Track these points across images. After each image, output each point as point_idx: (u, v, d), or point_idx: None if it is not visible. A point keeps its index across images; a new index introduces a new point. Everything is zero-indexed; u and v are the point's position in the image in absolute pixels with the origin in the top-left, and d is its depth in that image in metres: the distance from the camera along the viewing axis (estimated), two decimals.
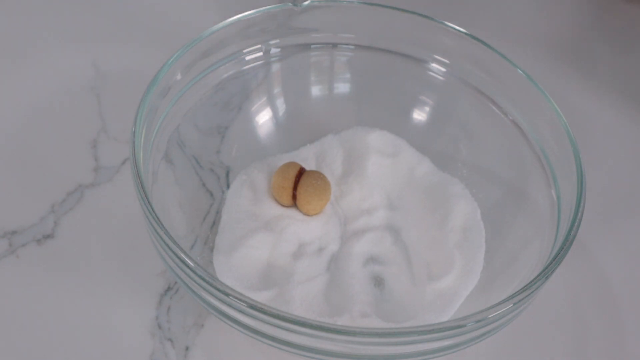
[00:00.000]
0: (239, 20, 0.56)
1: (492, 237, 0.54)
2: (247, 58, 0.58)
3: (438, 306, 0.50)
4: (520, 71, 0.55)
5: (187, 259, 0.45)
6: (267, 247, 0.52)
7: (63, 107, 0.61)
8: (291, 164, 0.55)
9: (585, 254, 0.57)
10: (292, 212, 0.55)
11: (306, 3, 0.56)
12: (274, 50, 0.58)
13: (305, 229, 0.54)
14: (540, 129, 0.55)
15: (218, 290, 0.44)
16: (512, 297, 0.45)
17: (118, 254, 0.54)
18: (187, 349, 0.50)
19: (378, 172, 0.57)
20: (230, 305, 0.45)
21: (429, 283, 0.51)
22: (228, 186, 0.56)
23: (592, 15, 0.74)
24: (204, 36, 0.54)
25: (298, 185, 0.54)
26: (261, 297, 0.49)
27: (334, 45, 0.59)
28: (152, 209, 0.46)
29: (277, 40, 0.58)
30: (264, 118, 0.59)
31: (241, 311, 0.44)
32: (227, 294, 0.44)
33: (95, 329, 0.50)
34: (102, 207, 0.56)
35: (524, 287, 0.46)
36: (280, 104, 0.59)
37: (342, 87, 0.60)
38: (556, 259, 0.47)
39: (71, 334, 0.50)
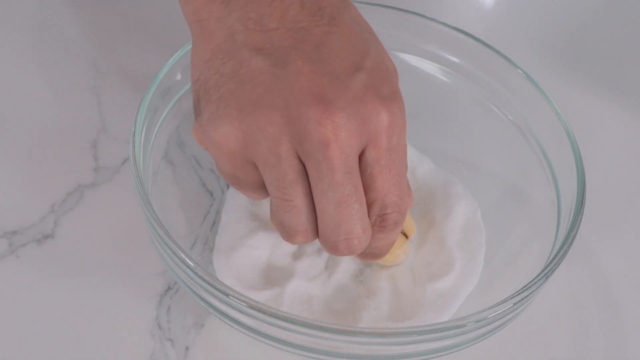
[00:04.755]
0: None
1: (492, 237, 0.54)
2: None
3: (438, 306, 0.50)
4: (520, 71, 0.55)
5: (187, 259, 0.45)
6: (267, 247, 0.52)
7: (63, 107, 0.61)
8: None
9: (585, 254, 0.57)
10: None
11: None
12: None
13: None
14: (540, 129, 0.55)
15: (218, 290, 0.44)
16: (512, 297, 0.45)
17: (118, 254, 0.54)
18: (187, 349, 0.50)
19: None
20: (230, 305, 0.45)
21: (429, 283, 0.51)
22: (228, 186, 0.56)
23: (593, 14, 0.74)
24: None
25: None
26: (261, 297, 0.49)
27: None
28: (152, 209, 0.46)
29: None
30: None
31: (241, 311, 0.44)
32: (227, 294, 0.44)
33: (95, 329, 0.50)
34: (102, 207, 0.56)
35: (524, 287, 0.46)
36: None
37: None
38: (556, 259, 0.47)
39: (71, 334, 0.50)
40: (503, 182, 0.56)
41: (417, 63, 0.58)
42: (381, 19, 0.58)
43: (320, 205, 0.44)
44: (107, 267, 0.53)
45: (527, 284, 0.46)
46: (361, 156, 0.44)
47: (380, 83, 0.45)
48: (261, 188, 0.47)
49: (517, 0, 0.75)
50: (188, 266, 0.45)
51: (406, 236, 0.52)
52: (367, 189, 0.45)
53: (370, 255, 0.49)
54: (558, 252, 0.48)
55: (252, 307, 0.44)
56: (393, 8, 0.57)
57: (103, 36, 0.66)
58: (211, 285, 0.44)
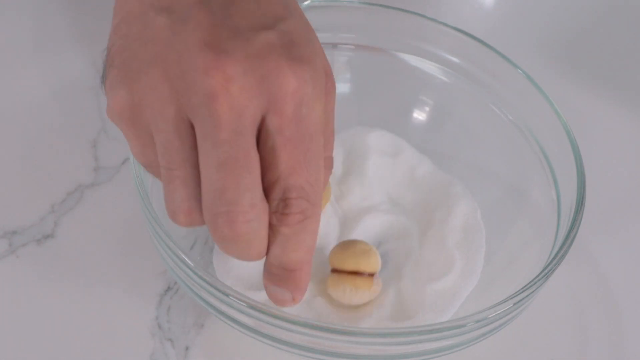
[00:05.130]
0: None
1: (492, 237, 0.54)
2: None
3: (438, 306, 0.50)
4: (520, 71, 0.55)
5: (187, 259, 0.45)
6: None
7: (63, 107, 0.61)
8: None
9: (585, 254, 0.57)
10: None
11: (306, 3, 0.56)
12: None
13: None
14: (540, 129, 0.55)
15: (218, 290, 0.44)
16: (512, 297, 0.45)
17: (118, 254, 0.54)
18: (187, 349, 0.50)
19: (378, 172, 0.57)
20: (230, 305, 0.45)
21: (429, 283, 0.51)
22: None
23: (593, 14, 0.74)
24: None
25: None
26: (261, 297, 0.49)
27: (334, 46, 0.59)
28: (152, 209, 0.46)
29: None
30: None
31: (241, 311, 0.44)
32: (227, 294, 0.44)
33: (95, 329, 0.50)
34: (102, 207, 0.56)
35: (524, 287, 0.46)
36: None
37: (342, 87, 0.60)
38: (556, 259, 0.47)
39: (71, 334, 0.50)
40: (503, 182, 0.56)
41: (417, 63, 0.58)
42: (381, 19, 0.58)
43: (203, 170, 0.39)
44: (107, 267, 0.53)
45: (527, 284, 0.46)
46: (262, 127, 0.39)
47: (293, 45, 0.39)
48: None
49: (517, 0, 0.75)
50: (188, 266, 0.45)
51: (371, 274, 0.49)
52: (268, 166, 0.39)
53: (279, 270, 0.41)
54: (558, 252, 0.48)
55: (252, 307, 0.44)
56: (393, 8, 0.57)
57: (103, 36, 0.66)
58: (211, 285, 0.44)
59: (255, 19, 0.40)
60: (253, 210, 0.39)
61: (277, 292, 0.42)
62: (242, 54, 0.38)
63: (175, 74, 0.39)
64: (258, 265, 0.51)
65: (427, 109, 0.59)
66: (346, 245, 0.50)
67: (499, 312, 0.45)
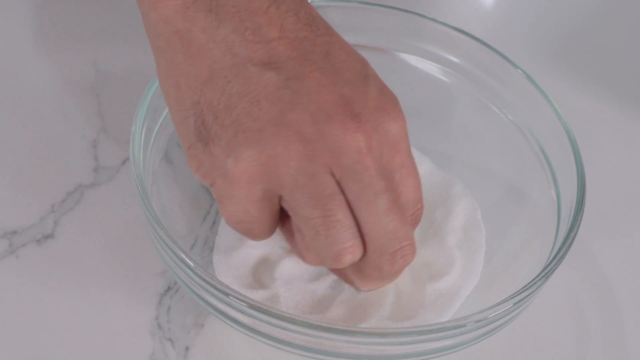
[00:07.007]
0: None
1: (492, 237, 0.54)
2: None
3: (438, 306, 0.50)
4: (520, 71, 0.55)
5: (187, 259, 0.45)
6: (266, 246, 0.52)
7: (63, 107, 0.61)
8: None
9: (585, 254, 0.57)
10: None
11: None
12: None
13: None
14: (540, 129, 0.55)
15: (218, 290, 0.44)
16: (512, 297, 0.45)
17: (118, 254, 0.54)
18: (187, 349, 0.50)
19: None
20: (230, 305, 0.45)
21: (429, 283, 0.51)
22: None
23: (593, 14, 0.74)
24: None
25: None
26: (261, 296, 0.49)
27: None
28: (152, 209, 0.46)
29: None
30: None
31: (241, 311, 0.44)
32: (227, 294, 0.44)
33: (95, 329, 0.50)
34: (102, 207, 0.56)
35: (524, 287, 0.46)
36: None
37: None
38: (556, 259, 0.47)
39: (71, 334, 0.50)
40: (503, 182, 0.56)
41: (417, 63, 0.58)
42: (381, 19, 0.58)
43: (370, 216, 0.43)
44: (107, 267, 0.53)
45: (527, 284, 0.46)
46: (385, 165, 0.43)
47: (384, 87, 0.44)
48: (271, 224, 0.45)
49: (517, 0, 0.75)
50: (188, 266, 0.45)
51: None
52: (399, 194, 0.44)
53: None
54: (558, 252, 0.48)
55: (252, 307, 0.44)
56: (393, 8, 0.57)
57: (103, 36, 0.66)
58: (211, 285, 0.44)
59: (353, 69, 0.43)
60: (415, 240, 0.45)
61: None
62: (369, 111, 0.42)
63: (312, 133, 0.41)
64: (258, 266, 0.51)
65: (427, 109, 0.59)
66: None
67: (499, 312, 0.45)
